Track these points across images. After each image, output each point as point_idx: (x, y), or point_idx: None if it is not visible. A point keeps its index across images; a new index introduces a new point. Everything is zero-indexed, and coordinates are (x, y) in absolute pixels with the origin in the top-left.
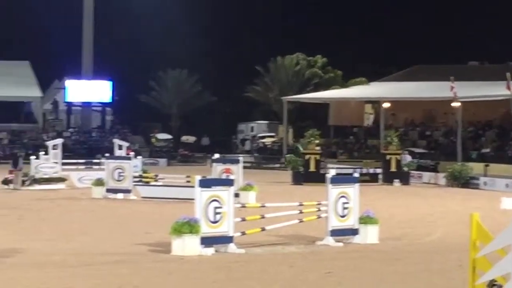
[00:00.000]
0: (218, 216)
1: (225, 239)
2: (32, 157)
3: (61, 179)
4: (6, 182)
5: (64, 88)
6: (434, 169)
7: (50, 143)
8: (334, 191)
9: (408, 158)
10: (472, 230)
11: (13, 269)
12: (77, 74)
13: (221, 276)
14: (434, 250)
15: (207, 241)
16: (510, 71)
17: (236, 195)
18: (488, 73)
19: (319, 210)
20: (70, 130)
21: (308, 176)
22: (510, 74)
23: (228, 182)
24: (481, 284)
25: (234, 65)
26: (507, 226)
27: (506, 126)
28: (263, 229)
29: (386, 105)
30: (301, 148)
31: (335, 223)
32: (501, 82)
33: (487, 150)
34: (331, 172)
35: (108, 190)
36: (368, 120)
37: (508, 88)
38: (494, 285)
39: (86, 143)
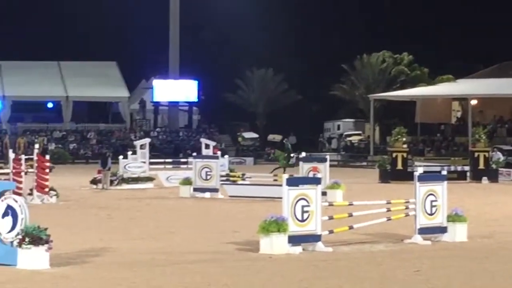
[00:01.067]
0: (305, 215)
1: (313, 238)
2: (120, 157)
3: (149, 179)
4: (95, 181)
5: (151, 88)
6: None
7: (137, 143)
8: (422, 189)
9: (498, 155)
10: None
11: (102, 268)
12: (164, 74)
13: (308, 275)
14: None
15: (294, 240)
16: None
17: (323, 193)
18: None
19: (407, 208)
20: (157, 129)
21: (395, 174)
22: None
23: (316, 181)
24: None
25: (320, 64)
26: None
27: None
28: (350, 227)
29: (473, 102)
30: (289, 144)
31: (423, 221)
32: None
33: None
34: (419, 170)
35: (196, 189)
36: (456, 117)
37: None
38: None
39: (173, 142)
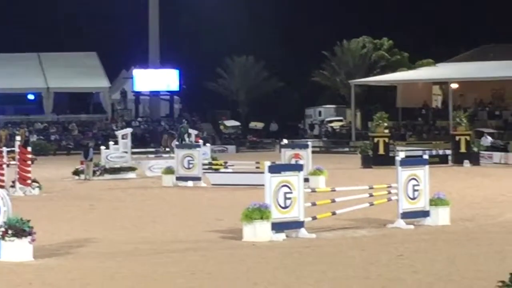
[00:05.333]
0: (288, 202)
1: (296, 224)
2: (102, 147)
3: (131, 169)
4: (77, 172)
5: (131, 78)
6: (504, 149)
7: (119, 133)
8: (404, 173)
9: (488, 139)
10: None
11: (86, 258)
12: (144, 63)
13: (292, 261)
14: (506, 231)
15: (278, 227)
16: None
17: (306, 180)
18: None
19: (389, 193)
20: (139, 119)
21: (377, 159)
22: None
23: (298, 167)
24: None
25: (300, 50)
26: None
27: None
28: (333, 213)
29: (454, 86)
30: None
31: (406, 205)
32: None
33: None
34: (401, 155)
35: (178, 178)
36: (437, 101)
37: None
38: None
39: (155, 131)
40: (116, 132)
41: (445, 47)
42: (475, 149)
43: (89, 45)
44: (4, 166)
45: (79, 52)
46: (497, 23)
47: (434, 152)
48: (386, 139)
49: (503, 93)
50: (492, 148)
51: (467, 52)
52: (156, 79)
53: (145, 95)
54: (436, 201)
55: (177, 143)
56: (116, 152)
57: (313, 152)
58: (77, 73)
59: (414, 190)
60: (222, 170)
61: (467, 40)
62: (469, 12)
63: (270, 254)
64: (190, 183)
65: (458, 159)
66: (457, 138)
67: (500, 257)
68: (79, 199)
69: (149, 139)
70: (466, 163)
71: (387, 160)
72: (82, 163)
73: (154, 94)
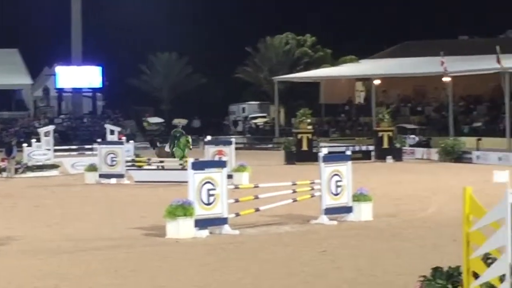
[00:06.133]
0: (211, 198)
1: (219, 221)
2: (25, 145)
3: (54, 166)
4: None
5: (54, 75)
6: (427, 145)
7: (42, 130)
8: (327, 169)
9: (414, 138)
10: (466, 204)
11: (8, 256)
12: (67, 60)
13: (216, 258)
14: (429, 226)
15: (201, 223)
16: (500, 44)
17: (229, 176)
18: (478, 47)
19: (312, 189)
20: (62, 116)
21: (301, 155)
22: (500, 47)
23: (221, 164)
24: (476, 258)
25: (224, 47)
26: (500, 200)
27: (497, 100)
28: (257, 210)
29: (377, 82)
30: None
31: (329, 201)
32: (491, 55)
33: (479, 124)
34: (324, 151)
35: (101, 176)
36: (359, 97)
37: (498, 61)
38: (489, 258)
39: (78, 129)
40: (39, 130)
41: (368, 43)
42: (398, 145)
43: (10, 41)
44: None
45: (0, 49)
46: (418, 20)
47: (357, 148)
48: (310, 135)
49: (425, 89)
50: (415, 143)
51: (390, 48)
52: (79, 76)
53: (68, 92)
54: (359, 197)
55: (168, 150)
56: (39, 149)
57: (236, 148)
58: None
59: (337, 186)
60: (146, 167)
61: (389, 36)
62: (391, 9)
63: (193, 251)
64: (113, 180)
65: (381, 155)
66: (380, 134)
67: (422, 253)
68: (1, 197)
69: (72, 136)
70: (389, 159)
71: (311, 156)
72: (4, 160)
73: (77, 91)
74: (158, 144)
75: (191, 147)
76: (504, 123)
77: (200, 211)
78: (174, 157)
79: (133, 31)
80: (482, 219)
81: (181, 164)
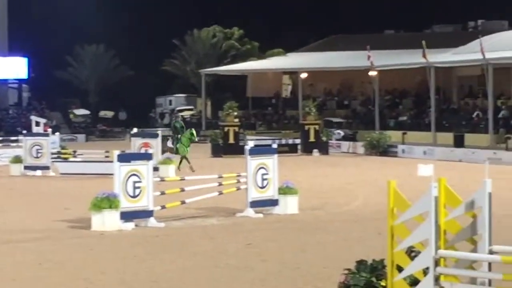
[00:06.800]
0: (137, 191)
1: (145, 214)
2: None
3: None
4: None
5: None
6: (353, 138)
7: None
8: (253, 162)
9: (340, 133)
10: (390, 197)
11: None
12: None
13: (141, 250)
14: (354, 219)
15: (127, 216)
16: (426, 38)
17: (156, 169)
18: (404, 42)
19: (238, 182)
20: None
21: (227, 148)
22: (425, 42)
23: (147, 156)
24: (400, 251)
25: (151, 39)
26: (424, 193)
27: (423, 94)
28: (183, 202)
29: (303, 75)
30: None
31: (255, 194)
32: (417, 50)
33: (404, 118)
34: (250, 144)
35: (26, 167)
36: (286, 91)
37: (424, 56)
38: (413, 251)
39: (3, 120)
40: None
41: (295, 37)
42: (324, 139)
43: None
44: None
45: None
46: (345, 14)
47: (283, 142)
48: (236, 128)
49: (352, 83)
50: (341, 137)
51: (317, 42)
52: (4, 67)
53: None
54: (284, 190)
55: (171, 145)
56: None
57: (163, 140)
58: None
59: (263, 179)
60: (71, 159)
61: (316, 30)
62: (318, 3)
63: (119, 244)
64: (38, 172)
65: (307, 148)
66: (306, 127)
67: (347, 245)
68: None
69: None
70: (315, 152)
71: (237, 149)
72: None
73: (2, 82)
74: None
75: (196, 139)
76: (430, 117)
77: (126, 204)
78: (178, 153)
79: (60, 22)
80: (407, 212)
81: (178, 168)
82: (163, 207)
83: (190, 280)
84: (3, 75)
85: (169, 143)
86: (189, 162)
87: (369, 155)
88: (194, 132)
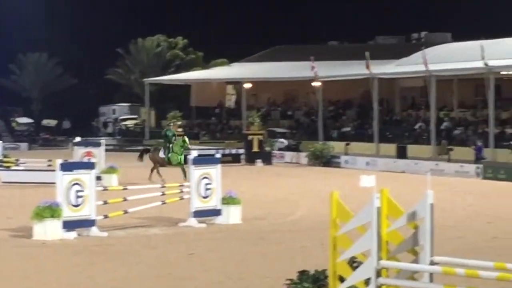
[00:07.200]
0: (80, 200)
1: (87, 223)
2: None
3: None
4: None
5: None
6: (296, 149)
7: None
8: (196, 172)
9: (283, 142)
10: (332, 208)
11: None
12: None
13: (83, 260)
14: (297, 229)
15: (69, 225)
16: (369, 50)
17: (99, 178)
18: (348, 53)
19: (181, 191)
20: None
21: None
22: (369, 53)
23: (90, 165)
24: (342, 262)
25: (95, 48)
26: (367, 204)
27: (366, 105)
28: (125, 212)
29: (247, 85)
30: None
31: (198, 204)
32: (361, 61)
33: (348, 129)
34: (193, 154)
35: None
36: (230, 101)
37: (368, 67)
38: (355, 262)
39: None
40: None
41: (239, 47)
42: (268, 149)
43: None
44: None
45: None
46: (289, 25)
47: (227, 151)
48: None
49: (296, 93)
50: (285, 147)
51: (261, 52)
52: None
53: None
54: (228, 200)
55: (163, 155)
56: None
57: (106, 150)
58: None
59: (206, 189)
60: (14, 167)
61: (260, 41)
62: (262, 13)
63: (60, 253)
64: None
65: (251, 158)
66: (249, 137)
67: (290, 256)
68: None
69: None
70: (259, 162)
71: None
72: None
73: None
74: (151, 150)
75: (189, 146)
76: (373, 128)
77: (68, 213)
78: (171, 163)
79: (3, 30)
80: (349, 223)
81: (185, 178)
82: (105, 216)
83: None
84: None
85: (161, 154)
86: (183, 171)
87: (313, 165)
88: (187, 139)
